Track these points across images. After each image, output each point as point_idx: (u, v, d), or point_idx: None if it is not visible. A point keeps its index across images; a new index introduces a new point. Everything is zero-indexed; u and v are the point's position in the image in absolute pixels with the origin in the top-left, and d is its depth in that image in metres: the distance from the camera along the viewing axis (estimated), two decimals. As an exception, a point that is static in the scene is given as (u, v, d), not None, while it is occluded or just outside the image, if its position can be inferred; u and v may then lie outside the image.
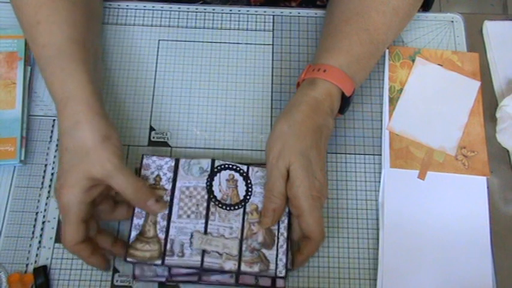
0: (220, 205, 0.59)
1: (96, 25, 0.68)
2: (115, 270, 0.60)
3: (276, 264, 0.57)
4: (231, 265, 0.56)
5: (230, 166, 0.61)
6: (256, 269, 0.56)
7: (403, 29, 0.70)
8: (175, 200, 0.59)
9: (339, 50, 0.62)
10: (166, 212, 0.58)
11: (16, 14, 0.63)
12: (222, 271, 0.56)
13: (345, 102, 0.62)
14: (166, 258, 0.56)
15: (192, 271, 0.57)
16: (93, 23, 0.66)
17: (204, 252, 0.56)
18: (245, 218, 0.59)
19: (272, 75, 0.71)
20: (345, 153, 0.67)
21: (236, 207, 0.59)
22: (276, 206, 0.57)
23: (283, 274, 0.56)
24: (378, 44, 0.64)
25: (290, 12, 0.75)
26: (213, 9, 0.74)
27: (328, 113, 0.60)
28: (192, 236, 0.57)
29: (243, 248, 0.57)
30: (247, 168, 0.61)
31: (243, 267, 0.56)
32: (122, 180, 0.55)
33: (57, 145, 0.66)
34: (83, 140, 0.54)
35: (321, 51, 0.63)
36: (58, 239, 0.61)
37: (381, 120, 0.68)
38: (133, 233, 0.57)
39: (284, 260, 0.57)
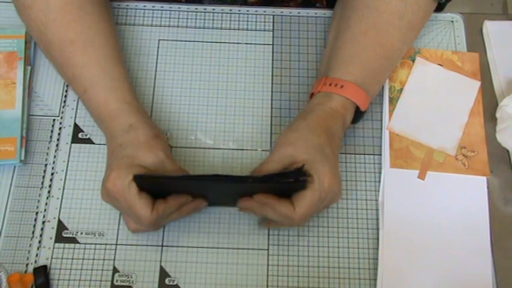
0: None
1: (115, 29, 0.68)
2: (115, 270, 0.60)
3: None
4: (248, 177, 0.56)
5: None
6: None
7: (415, 41, 0.70)
8: None
9: (356, 65, 0.62)
10: None
11: (41, 31, 0.61)
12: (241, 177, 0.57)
13: (358, 114, 0.62)
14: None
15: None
16: (115, 28, 0.67)
17: None
18: None
19: (272, 75, 0.71)
20: (345, 153, 0.67)
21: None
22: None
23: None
24: (392, 59, 0.65)
25: (290, 12, 0.75)
26: (213, 9, 0.74)
27: (341, 124, 0.60)
28: None
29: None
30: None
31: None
32: (173, 168, 0.57)
33: (57, 145, 0.66)
34: (136, 136, 0.57)
35: (337, 62, 0.63)
36: (58, 239, 0.61)
37: (381, 120, 0.68)
38: None
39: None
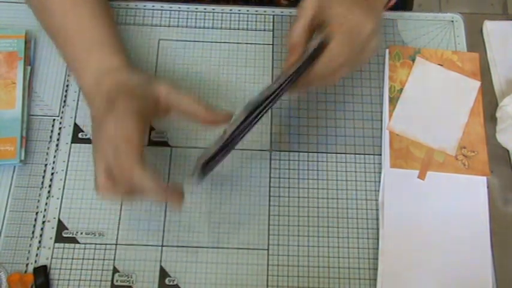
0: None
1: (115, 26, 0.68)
2: (115, 270, 0.60)
3: None
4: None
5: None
6: None
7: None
8: None
9: None
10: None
11: (42, 25, 0.64)
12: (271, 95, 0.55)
13: None
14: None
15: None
16: (113, 23, 0.67)
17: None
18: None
19: (272, 75, 0.71)
20: (345, 153, 0.67)
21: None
22: (294, 58, 0.55)
23: None
24: None
25: (290, 12, 0.75)
26: (213, 9, 0.74)
27: None
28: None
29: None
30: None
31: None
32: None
33: (57, 145, 0.66)
34: (109, 67, 0.58)
35: None
36: (58, 239, 0.61)
37: (381, 120, 0.68)
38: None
39: None
